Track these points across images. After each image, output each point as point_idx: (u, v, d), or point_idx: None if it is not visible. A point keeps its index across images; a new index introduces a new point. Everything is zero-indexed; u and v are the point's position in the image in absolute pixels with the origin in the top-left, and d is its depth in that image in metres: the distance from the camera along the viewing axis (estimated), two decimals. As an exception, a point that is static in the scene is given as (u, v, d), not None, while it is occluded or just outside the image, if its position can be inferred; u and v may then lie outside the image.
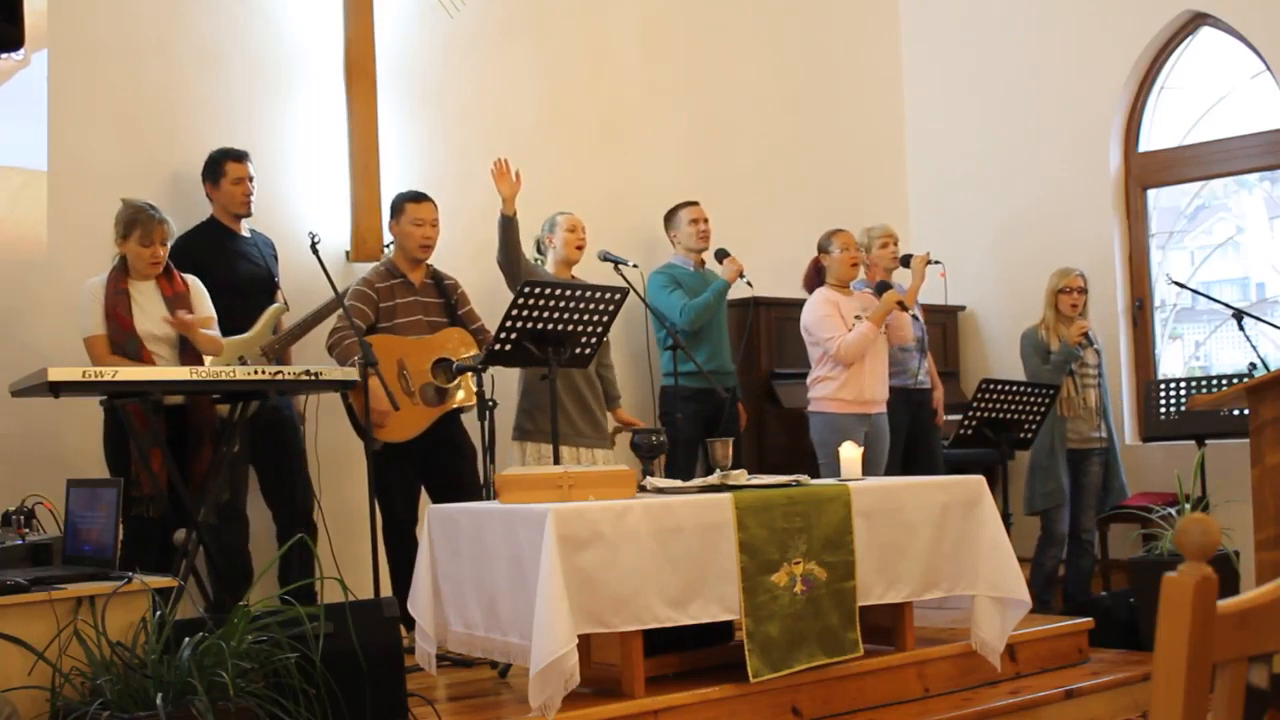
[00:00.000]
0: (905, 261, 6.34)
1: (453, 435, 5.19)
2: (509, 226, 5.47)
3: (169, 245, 4.61)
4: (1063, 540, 6.18)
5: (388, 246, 5.53)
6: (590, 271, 5.85)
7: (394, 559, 5.06)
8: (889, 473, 5.91)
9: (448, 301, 5.30)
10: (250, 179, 5.15)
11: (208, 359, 4.70)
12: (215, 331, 4.69)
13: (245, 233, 5.24)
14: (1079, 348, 6.19)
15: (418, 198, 5.27)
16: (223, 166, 5.12)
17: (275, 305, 5.16)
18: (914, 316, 6.31)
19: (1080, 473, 6.19)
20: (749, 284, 6.16)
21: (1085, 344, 6.24)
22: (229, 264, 5.10)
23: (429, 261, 5.32)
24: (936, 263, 6.22)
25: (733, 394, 6.18)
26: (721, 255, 6.21)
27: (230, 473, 4.86)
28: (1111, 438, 6.33)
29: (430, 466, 5.17)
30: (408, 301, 5.18)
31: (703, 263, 6.31)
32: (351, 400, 4.96)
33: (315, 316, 5.14)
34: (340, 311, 4.95)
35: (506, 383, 5.66)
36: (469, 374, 5.00)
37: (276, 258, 5.31)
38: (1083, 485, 6.20)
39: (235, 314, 4.92)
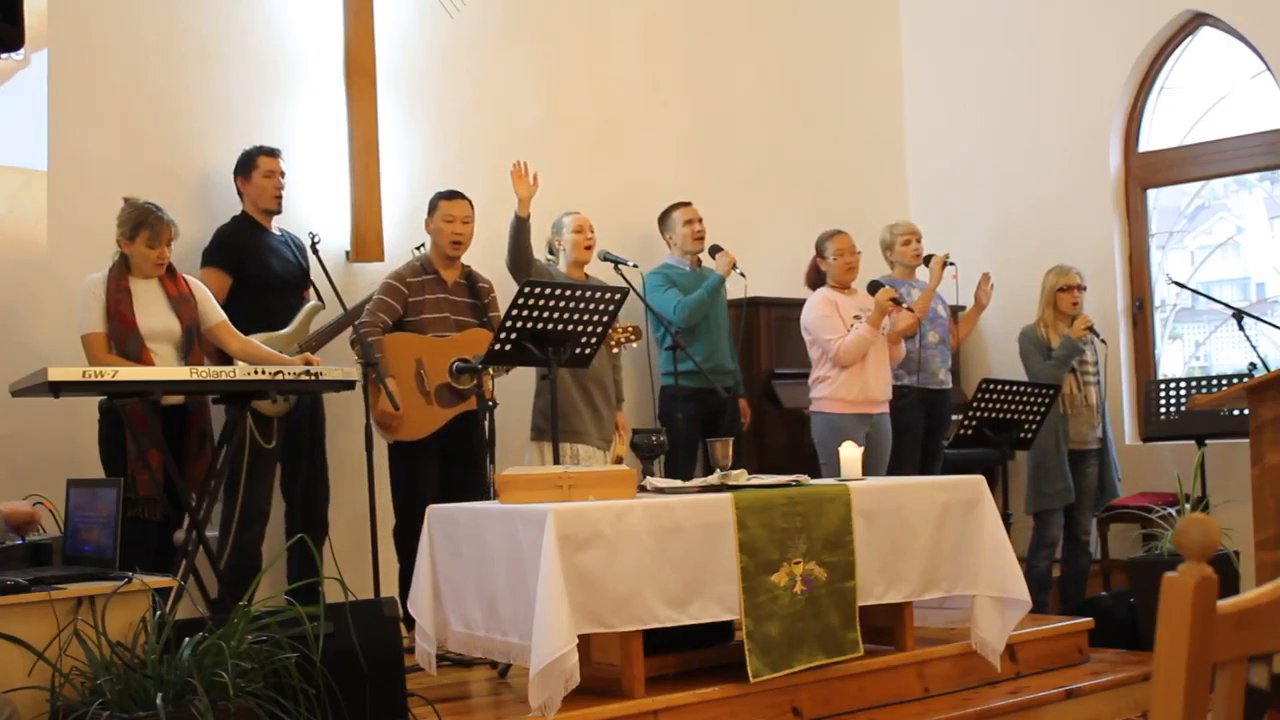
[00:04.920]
0: (927, 261, 6.35)
1: (468, 437, 5.19)
2: (521, 228, 5.47)
3: (173, 246, 4.62)
4: (1055, 542, 6.17)
5: (419, 248, 5.56)
6: (593, 272, 5.85)
7: (406, 560, 5.05)
8: (905, 473, 5.90)
9: (479, 302, 5.32)
10: (281, 174, 5.23)
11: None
12: (234, 333, 4.71)
13: (275, 231, 5.29)
14: (1084, 341, 6.18)
15: (451, 195, 5.32)
16: (256, 160, 5.21)
17: (313, 304, 5.23)
18: (938, 314, 6.32)
19: (1078, 474, 6.18)
20: (742, 274, 6.15)
21: (1092, 337, 6.23)
22: (264, 259, 5.17)
23: (467, 263, 5.36)
24: (952, 264, 6.22)
25: (733, 392, 6.19)
26: (714, 251, 6.21)
27: (262, 472, 4.91)
28: (1107, 437, 6.32)
29: (446, 467, 5.19)
30: (436, 299, 5.21)
31: (699, 262, 6.30)
32: (372, 400, 4.96)
33: (339, 323, 5.17)
34: (368, 305, 5.06)
35: (521, 383, 5.66)
36: (487, 372, 5.02)
37: (305, 256, 5.32)
38: (1081, 487, 6.19)
39: (271, 310, 5.01)
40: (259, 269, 5.11)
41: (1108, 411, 6.37)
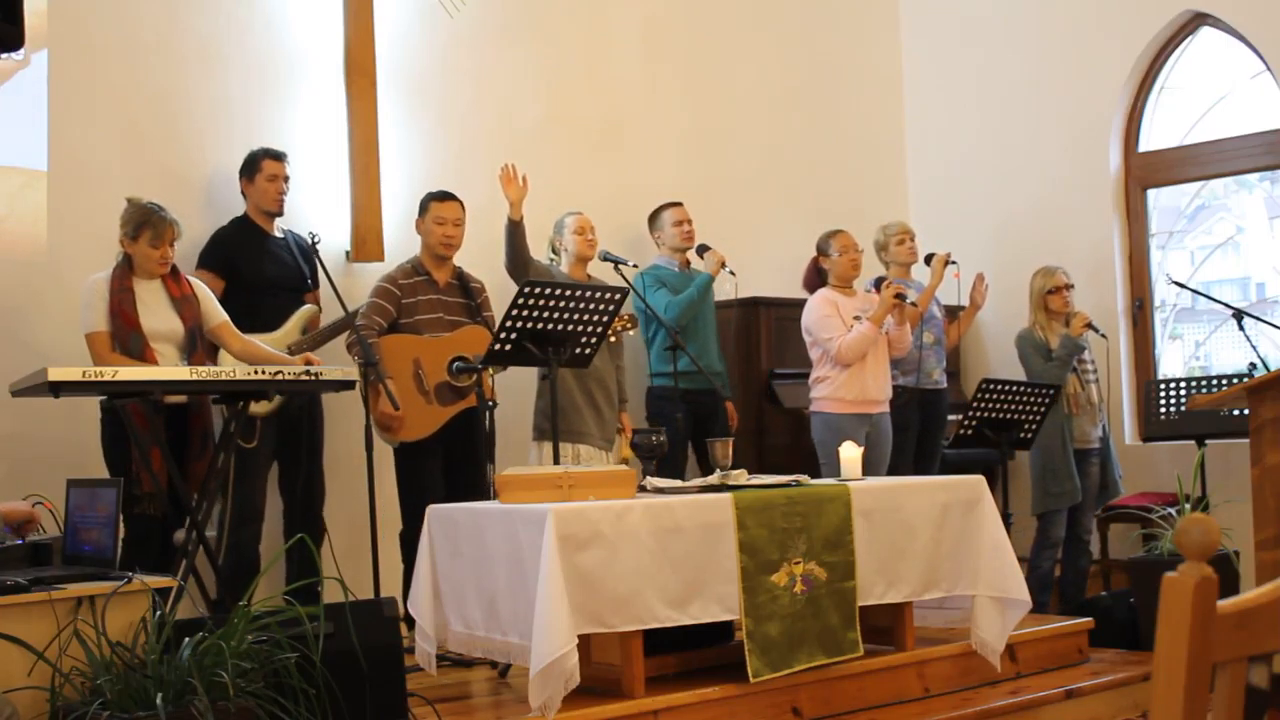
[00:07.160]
0: (928, 260, 6.34)
1: (471, 438, 5.18)
2: (515, 232, 5.48)
3: (176, 246, 4.62)
4: (1060, 542, 6.17)
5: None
6: (594, 272, 5.86)
7: (411, 562, 5.03)
8: (901, 473, 5.90)
9: (472, 302, 5.32)
10: (285, 178, 5.23)
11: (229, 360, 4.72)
12: (236, 334, 4.71)
13: (278, 233, 5.30)
14: (1083, 339, 6.17)
15: (442, 196, 5.33)
16: (260, 163, 5.21)
17: (308, 307, 5.21)
18: (933, 314, 6.32)
19: (1082, 474, 6.18)
20: (732, 273, 6.15)
21: (1091, 333, 6.20)
22: (259, 262, 5.17)
23: (457, 264, 5.36)
24: (954, 263, 6.22)
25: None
26: (702, 250, 6.19)
27: (253, 471, 4.90)
28: (1107, 435, 6.32)
29: (451, 469, 5.19)
30: (429, 299, 5.22)
31: (688, 263, 6.29)
32: (371, 402, 4.96)
33: (340, 324, 5.17)
34: (361, 309, 5.06)
35: (521, 383, 5.67)
36: (487, 371, 5.02)
37: (310, 258, 5.31)
38: (1085, 486, 6.19)
39: (263, 312, 5.00)
40: (253, 273, 5.10)
41: (1107, 409, 6.37)
